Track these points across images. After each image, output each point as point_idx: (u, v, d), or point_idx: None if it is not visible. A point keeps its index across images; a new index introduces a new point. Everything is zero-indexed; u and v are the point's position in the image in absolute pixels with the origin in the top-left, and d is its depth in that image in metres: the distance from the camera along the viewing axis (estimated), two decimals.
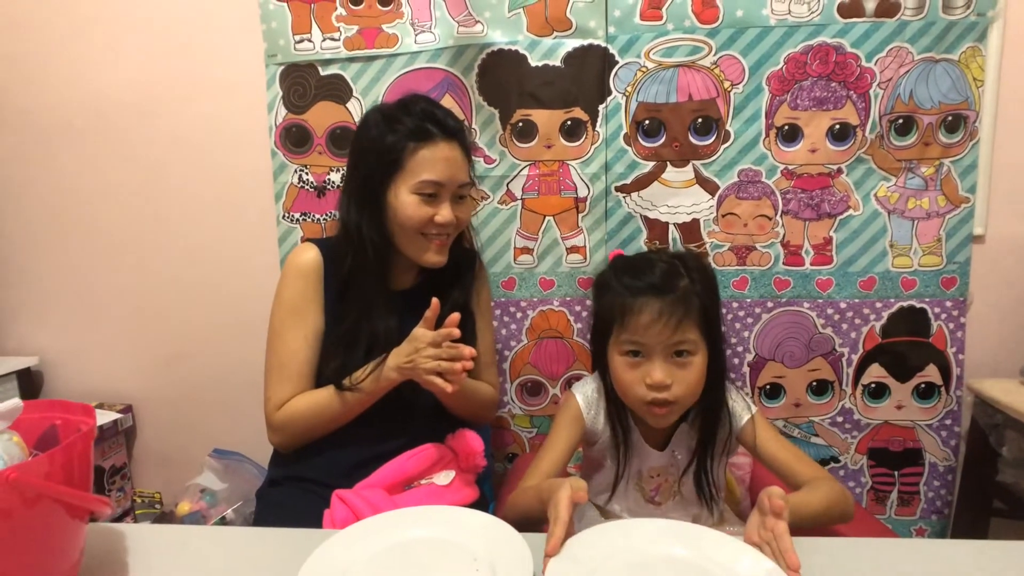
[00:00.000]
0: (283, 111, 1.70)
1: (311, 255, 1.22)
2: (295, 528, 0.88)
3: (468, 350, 1.04)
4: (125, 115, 1.78)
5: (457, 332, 1.04)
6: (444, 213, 1.16)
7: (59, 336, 1.92)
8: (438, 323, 1.07)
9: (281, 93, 1.69)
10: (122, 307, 1.88)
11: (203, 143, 1.77)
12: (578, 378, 1.71)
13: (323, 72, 1.67)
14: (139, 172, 1.81)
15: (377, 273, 1.19)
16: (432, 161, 1.14)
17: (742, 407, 1.08)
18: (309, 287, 1.21)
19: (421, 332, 1.07)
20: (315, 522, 1.04)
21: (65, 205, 1.85)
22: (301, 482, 1.18)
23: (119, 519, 1.85)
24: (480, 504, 1.19)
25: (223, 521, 1.65)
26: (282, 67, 1.68)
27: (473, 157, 1.27)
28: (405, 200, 1.14)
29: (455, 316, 1.05)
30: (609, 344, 1.02)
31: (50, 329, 1.92)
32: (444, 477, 1.15)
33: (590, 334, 1.10)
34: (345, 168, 1.25)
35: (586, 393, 1.11)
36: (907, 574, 0.73)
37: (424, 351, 1.05)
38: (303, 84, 1.68)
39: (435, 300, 1.07)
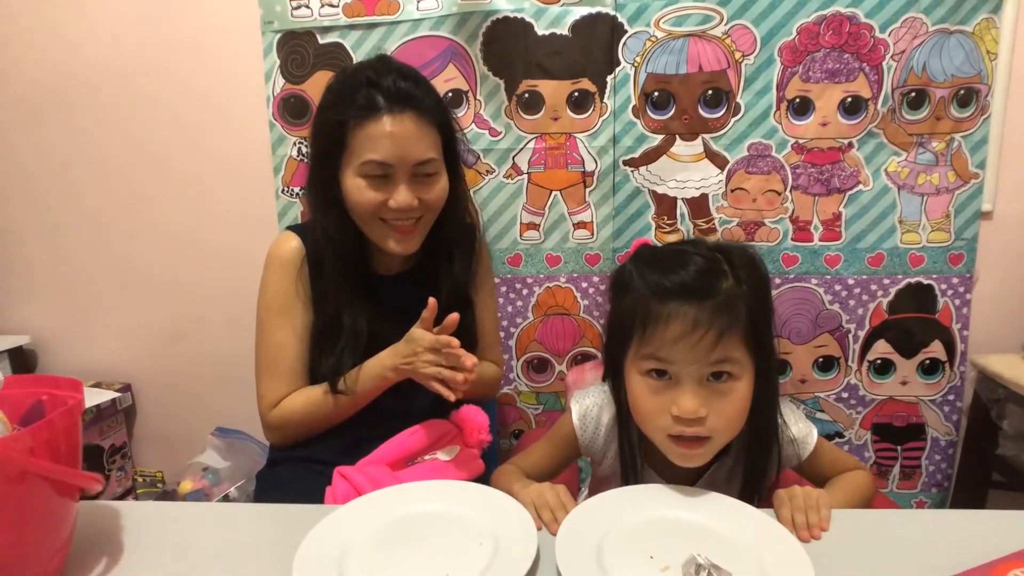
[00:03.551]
0: (281, 81, 1.65)
1: (292, 245, 1.15)
2: (296, 504, 0.86)
3: (470, 360, 0.95)
4: (116, 84, 1.72)
5: (456, 342, 0.96)
6: (399, 197, 1.04)
7: (54, 314, 1.88)
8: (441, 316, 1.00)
9: (279, 62, 1.64)
10: (119, 284, 1.84)
11: (199, 113, 1.72)
12: (585, 356, 1.70)
13: (322, 40, 1.62)
14: (133, 145, 1.75)
15: (347, 263, 1.11)
16: (375, 138, 1.02)
17: (804, 430, 0.91)
18: (292, 280, 1.13)
19: (419, 334, 1.00)
20: (317, 500, 1.01)
21: (57, 179, 1.80)
22: (302, 462, 1.15)
23: (120, 499, 1.83)
24: (485, 479, 1.17)
25: (226, 499, 1.64)
26: (279, 35, 1.63)
27: (456, 124, 1.14)
28: (351, 184, 1.05)
29: (454, 318, 0.98)
30: (627, 358, 0.83)
31: (44, 307, 1.88)
32: (448, 452, 1.13)
33: (604, 340, 0.92)
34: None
35: (584, 407, 0.95)
36: (908, 542, 0.73)
37: (423, 355, 0.99)
38: (301, 53, 1.63)
39: (431, 300, 0.99)
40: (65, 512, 0.70)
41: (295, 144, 1.67)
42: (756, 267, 0.83)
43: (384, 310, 1.13)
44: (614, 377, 0.89)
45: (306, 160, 1.67)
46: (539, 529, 0.75)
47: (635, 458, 0.89)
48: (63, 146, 1.78)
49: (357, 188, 1.05)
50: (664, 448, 0.82)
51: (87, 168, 1.78)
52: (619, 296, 0.86)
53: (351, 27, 1.60)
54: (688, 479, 0.87)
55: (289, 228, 1.19)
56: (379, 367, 1.07)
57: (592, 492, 0.99)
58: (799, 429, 0.91)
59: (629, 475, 0.90)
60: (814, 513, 0.76)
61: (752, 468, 0.87)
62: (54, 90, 1.74)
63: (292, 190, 1.70)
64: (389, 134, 1.02)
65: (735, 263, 0.81)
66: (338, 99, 1.06)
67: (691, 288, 0.78)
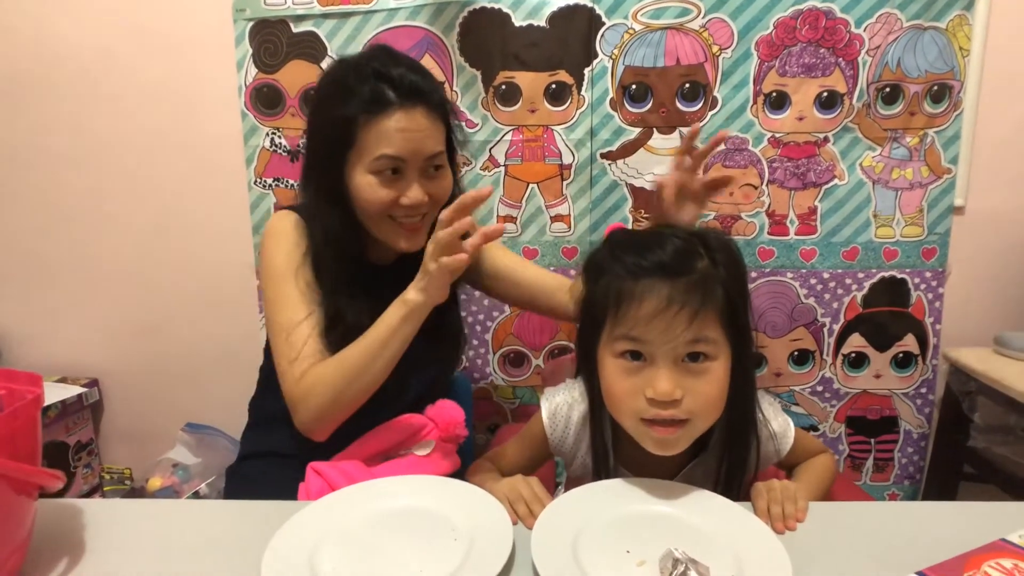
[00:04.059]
0: (253, 70, 1.61)
1: (293, 219, 1.09)
2: (267, 501, 0.83)
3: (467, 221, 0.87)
4: (82, 73, 1.67)
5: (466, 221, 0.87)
6: (412, 194, 1.00)
7: (17, 307, 1.82)
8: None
9: (251, 51, 1.60)
10: (85, 276, 1.79)
11: (169, 103, 1.68)
12: (562, 350, 1.70)
13: (295, 29, 1.59)
14: (100, 135, 1.70)
15: (348, 260, 1.06)
16: (388, 133, 0.97)
17: (783, 425, 0.89)
18: (297, 250, 1.06)
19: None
20: (288, 496, 0.99)
21: (21, 170, 1.74)
22: (275, 456, 1.12)
23: (87, 497, 1.79)
24: (462, 475, 1.16)
25: (196, 496, 1.61)
26: (251, 23, 1.59)
27: (454, 120, 1.09)
28: (361, 182, 1.00)
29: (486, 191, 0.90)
30: (600, 342, 0.80)
31: (7, 299, 1.82)
32: (424, 447, 1.11)
33: (576, 330, 0.89)
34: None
35: (554, 405, 0.92)
36: (883, 534, 0.74)
37: (433, 258, 0.90)
38: (274, 41, 1.60)
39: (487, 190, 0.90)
40: (23, 510, 0.67)
41: (268, 135, 1.64)
42: (732, 251, 0.81)
43: (382, 301, 1.06)
44: (587, 365, 0.85)
45: (280, 152, 1.64)
46: (515, 523, 0.74)
47: (607, 455, 0.86)
48: (27, 136, 1.72)
49: (368, 186, 1.00)
50: (638, 434, 0.78)
51: (51, 158, 1.73)
52: (593, 279, 0.82)
53: (325, 16, 1.57)
54: (664, 478, 0.83)
55: (285, 208, 1.13)
56: (397, 300, 0.97)
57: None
58: (779, 424, 0.89)
59: (601, 474, 0.87)
60: (791, 504, 0.76)
61: (731, 463, 0.84)
62: (16, 80, 1.69)
63: (264, 181, 1.66)
64: (403, 129, 0.98)
65: (711, 246, 0.79)
66: (343, 93, 1.00)
67: (666, 266, 0.75)
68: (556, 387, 0.95)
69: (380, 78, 0.98)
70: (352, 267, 1.07)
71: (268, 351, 1.10)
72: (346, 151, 1.00)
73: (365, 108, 0.97)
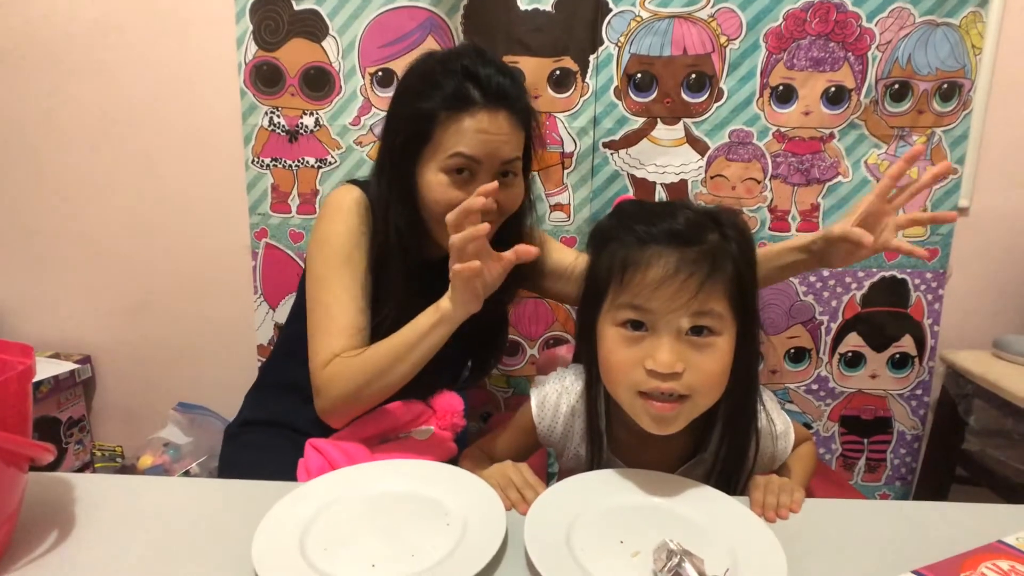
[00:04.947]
0: (253, 47, 1.59)
1: (357, 195, 1.04)
2: (259, 479, 0.83)
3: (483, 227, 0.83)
4: (79, 47, 1.64)
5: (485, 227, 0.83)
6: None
7: (10, 282, 1.80)
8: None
9: (251, 27, 1.58)
10: (79, 253, 1.77)
11: (166, 79, 1.65)
12: (557, 340, 1.68)
13: (297, 6, 1.56)
14: (96, 110, 1.68)
15: (403, 255, 1.02)
16: (467, 133, 0.95)
17: (784, 423, 0.89)
18: (358, 230, 1.02)
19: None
20: (286, 468, 0.98)
21: (17, 145, 1.71)
22: (274, 426, 1.11)
23: (78, 472, 1.78)
24: (456, 460, 1.16)
25: (187, 475, 1.61)
26: (252, 0, 1.56)
27: (535, 130, 1.05)
28: (432, 180, 0.98)
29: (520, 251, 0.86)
30: (601, 313, 0.77)
31: (0, 275, 1.81)
32: (421, 433, 1.12)
33: (579, 304, 0.86)
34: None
35: (543, 395, 0.90)
36: (877, 533, 0.73)
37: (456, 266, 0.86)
38: (275, 19, 1.57)
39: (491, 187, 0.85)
40: (12, 482, 0.66)
41: (267, 113, 1.62)
42: (743, 228, 0.79)
43: (433, 293, 1.00)
44: (586, 338, 0.82)
45: (279, 131, 1.62)
46: (507, 510, 0.73)
47: (601, 438, 0.84)
48: (23, 111, 1.69)
49: (439, 184, 0.98)
50: (634, 410, 0.75)
51: (47, 133, 1.70)
52: (599, 248, 0.80)
53: None
54: (663, 463, 0.82)
55: (350, 182, 1.09)
56: (432, 305, 0.94)
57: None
58: (781, 423, 0.88)
59: (595, 462, 0.85)
60: (787, 495, 0.76)
61: (730, 453, 0.82)
62: (13, 53, 1.66)
63: (262, 161, 1.64)
64: (483, 130, 0.95)
65: (723, 221, 0.77)
66: (427, 87, 0.97)
67: (676, 233, 0.73)
68: (546, 376, 0.93)
69: (468, 76, 0.96)
70: (413, 266, 1.04)
71: (299, 318, 1.07)
72: (422, 146, 0.98)
73: (447, 104, 0.95)
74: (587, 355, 0.83)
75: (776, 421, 0.87)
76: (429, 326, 0.91)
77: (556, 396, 0.90)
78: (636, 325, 0.73)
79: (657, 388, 0.72)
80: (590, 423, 0.85)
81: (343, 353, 0.97)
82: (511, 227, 1.07)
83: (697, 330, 0.72)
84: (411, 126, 0.98)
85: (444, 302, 0.90)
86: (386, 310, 1.01)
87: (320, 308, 1.01)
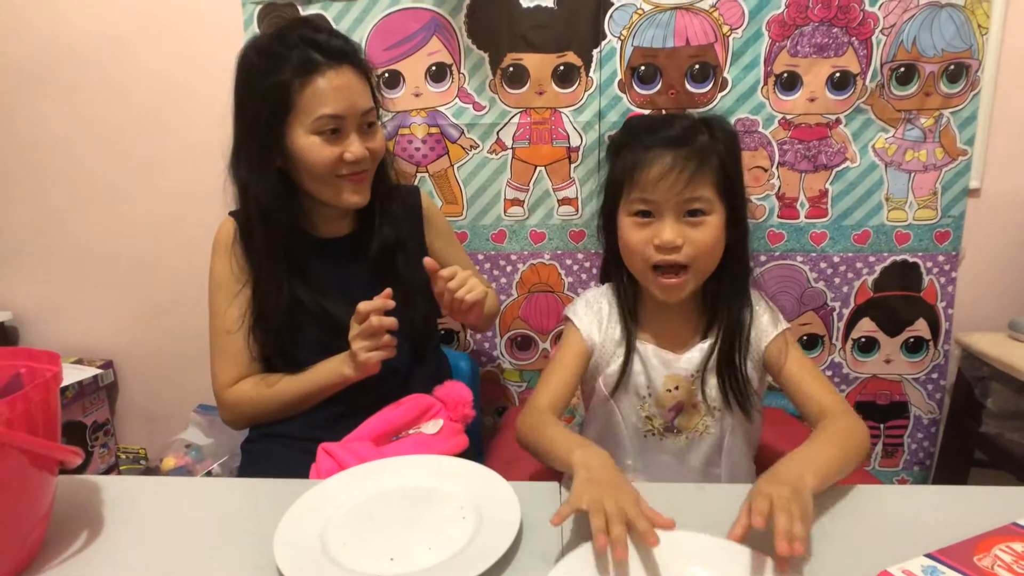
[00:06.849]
0: None
1: (227, 228, 1.16)
2: (279, 479, 0.86)
3: (389, 321, 1.02)
4: (95, 59, 1.68)
5: (376, 321, 1.00)
6: (354, 148, 1.06)
7: (35, 290, 1.85)
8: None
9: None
10: (100, 259, 1.81)
11: (179, 86, 1.68)
12: None
13: (304, 12, 1.58)
14: (113, 116, 1.72)
15: (281, 230, 1.10)
16: (324, 92, 1.03)
17: (770, 319, 1.00)
18: (230, 262, 1.14)
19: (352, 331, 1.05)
20: (301, 475, 1.01)
21: (36, 151, 1.76)
22: (284, 439, 1.14)
23: (103, 475, 1.82)
24: (470, 454, 1.17)
25: (209, 476, 1.63)
26: (260, 6, 1.59)
27: (374, 78, 1.14)
28: (304, 144, 1.05)
29: (386, 296, 1.01)
30: (619, 209, 0.96)
31: (25, 283, 1.85)
32: (432, 426, 1.13)
33: (600, 209, 1.04)
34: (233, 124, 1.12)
35: (576, 307, 1.06)
36: (893, 517, 0.74)
37: (356, 343, 1.04)
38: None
39: (387, 291, 1.02)
40: (44, 485, 0.69)
41: None
42: (730, 132, 0.96)
43: (329, 275, 1.15)
44: (608, 230, 1.01)
45: None
46: (601, 549, 0.63)
47: (628, 316, 1.01)
48: (44, 122, 1.74)
49: (312, 146, 1.05)
50: (648, 282, 0.95)
51: (67, 143, 1.74)
52: (614, 157, 0.98)
53: None
54: (678, 346, 1.00)
55: (230, 213, 1.18)
56: (335, 362, 1.10)
57: (586, 429, 1.11)
58: (765, 317, 1.00)
59: (630, 340, 1.00)
60: (799, 525, 0.63)
61: (730, 323, 0.97)
62: (33, 65, 1.70)
63: None
64: (337, 87, 1.04)
65: (712, 126, 0.94)
66: (273, 62, 1.04)
67: (671, 138, 0.91)
68: (574, 302, 1.09)
69: (308, 43, 1.04)
70: (289, 243, 1.11)
71: None
72: (284, 116, 1.04)
73: (298, 72, 1.03)
74: (610, 246, 1.02)
75: (760, 302, 1.02)
76: (329, 386, 1.11)
77: (587, 301, 1.06)
78: (645, 213, 0.92)
79: (664, 260, 0.91)
80: (620, 299, 1.03)
81: (240, 376, 1.14)
82: (377, 182, 1.17)
83: (692, 212, 0.91)
84: (269, 101, 1.04)
85: (346, 369, 1.07)
86: (265, 286, 1.11)
87: (213, 336, 1.17)
